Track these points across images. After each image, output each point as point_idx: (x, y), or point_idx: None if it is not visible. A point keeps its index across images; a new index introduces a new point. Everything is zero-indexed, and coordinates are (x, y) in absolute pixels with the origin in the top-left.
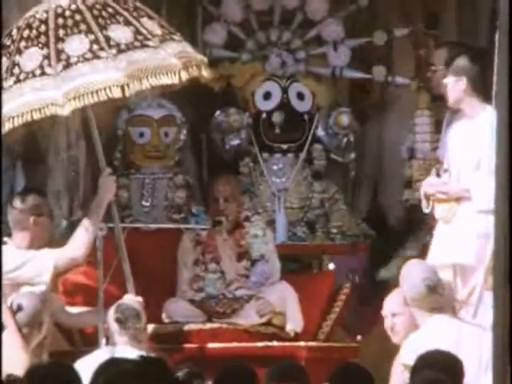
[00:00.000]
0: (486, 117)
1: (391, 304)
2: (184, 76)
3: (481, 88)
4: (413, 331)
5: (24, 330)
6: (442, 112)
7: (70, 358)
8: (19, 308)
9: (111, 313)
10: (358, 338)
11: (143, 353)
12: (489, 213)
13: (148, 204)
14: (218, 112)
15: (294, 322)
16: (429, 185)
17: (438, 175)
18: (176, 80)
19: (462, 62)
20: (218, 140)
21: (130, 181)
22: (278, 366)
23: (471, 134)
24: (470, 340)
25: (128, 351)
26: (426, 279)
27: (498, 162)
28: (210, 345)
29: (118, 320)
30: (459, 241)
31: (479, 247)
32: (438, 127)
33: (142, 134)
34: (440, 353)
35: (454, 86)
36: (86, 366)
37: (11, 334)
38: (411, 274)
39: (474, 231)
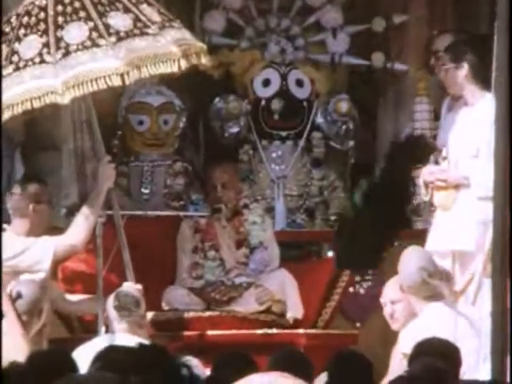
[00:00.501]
0: (486, 104)
1: (390, 291)
2: (184, 64)
3: (480, 75)
4: (412, 318)
5: (24, 318)
6: (441, 99)
7: (69, 346)
8: (18, 295)
9: (110, 300)
10: (357, 325)
11: (142, 340)
12: (488, 200)
13: (147, 191)
14: (216, 99)
15: (294, 310)
16: (428, 172)
17: (437, 163)
18: (176, 68)
19: (463, 48)
20: (217, 127)
21: (129, 168)
22: (280, 354)
23: (470, 122)
24: (468, 328)
25: (127, 339)
26: (422, 268)
27: (497, 149)
28: (210, 332)
29: (116, 307)
30: (458, 228)
31: (478, 234)
32: (437, 114)
33: (141, 122)
34: (437, 340)
35: (455, 73)
36: (85, 354)
37: (11, 322)
38: (408, 261)
39: (473, 218)
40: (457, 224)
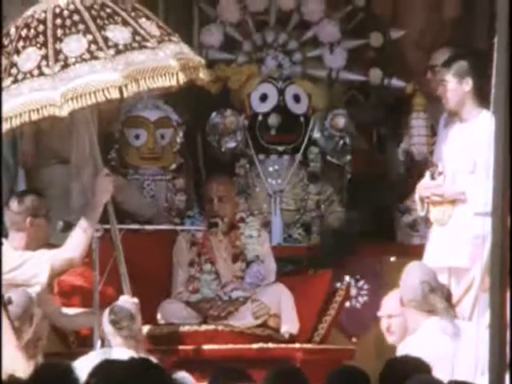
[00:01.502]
0: (483, 120)
1: (388, 305)
2: (182, 78)
3: (479, 91)
4: (408, 333)
5: (15, 324)
6: (438, 114)
7: (65, 360)
8: (9, 301)
9: (106, 314)
10: (354, 340)
11: (137, 354)
12: (485, 215)
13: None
14: (213, 114)
15: (290, 324)
16: (424, 187)
17: (433, 178)
18: (174, 82)
19: (465, 63)
20: (213, 142)
21: (128, 181)
22: (274, 371)
23: (467, 137)
24: (466, 343)
25: (123, 353)
26: (425, 282)
27: (496, 166)
28: (206, 346)
29: (112, 322)
30: (453, 244)
31: (474, 249)
32: (434, 130)
33: (137, 136)
34: (410, 358)
35: (457, 88)
36: (81, 368)
37: (6, 333)
38: (411, 275)
39: (469, 234)
40: (452, 239)
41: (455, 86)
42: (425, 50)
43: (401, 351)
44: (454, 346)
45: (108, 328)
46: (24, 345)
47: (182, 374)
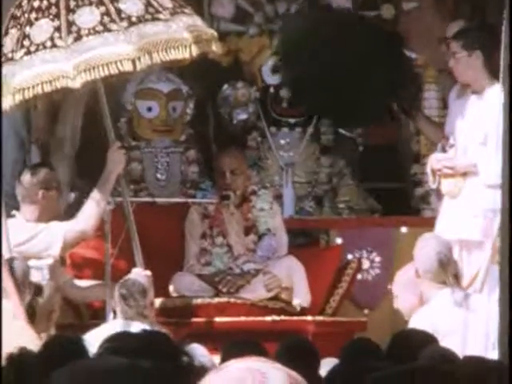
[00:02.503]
0: (494, 92)
1: (399, 283)
2: (195, 51)
3: (490, 64)
4: (422, 303)
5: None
6: (449, 86)
7: (77, 332)
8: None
9: (118, 288)
10: (366, 312)
11: (148, 327)
12: (496, 187)
13: (164, 178)
14: (225, 86)
15: (302, 297)
16: (435, 160)
17: (444, 150)
18: (187, 54)
19: (476, 35)
20: (225, 114)
21: (142, 154)
22: (286, 344)
23: (478, 110)
24: (478, 315)
25: (134, 325)
26: (441, 252)
27: (505, 135)
28: (218, 319)
29: (122, 296)
30: (465, 216)
31: (486, 222)
32: (445, 102)
33: (149, 108)
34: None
35: (467, 61)
36: (93, 340)
37: (15, 306)
38: (426, 246)
39: (481, 206)
40: (464, 212)
41: (465, 59)
42: (437, 23)
43: (413, 322)
44: (465, 318)
45: (119, 301)
46: (37, 317)
47: (194, 346)
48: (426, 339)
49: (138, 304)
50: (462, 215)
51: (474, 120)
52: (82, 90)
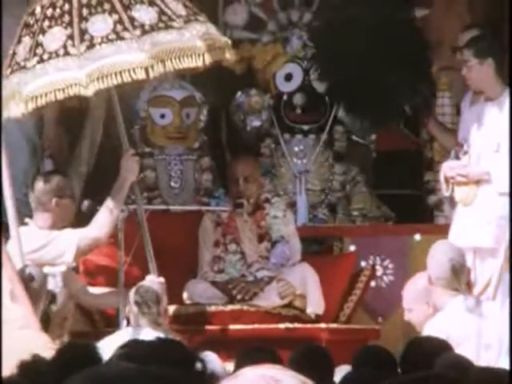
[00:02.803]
0: (507, 99)
1: (407, 298)
2: (208, 59)
3: (502, 71)
4: (435, 310)
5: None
6: (462, 94)
7: (91, 339)
8: (31, 277)
9: (131, 295)
10: (379, 319)
11: (162, 334)
12: (509, 195)
13: (177, 186)
14: (238, 93)
15: (315, 304)
16: (448, 168)
17: (458, 157)
18: (200, 62)
19: (486, 44)
20: (238, 121)
21: (155, 162)
22: (300, 351)
23: (492, 117)
24: (490, 323)
25: (148, 333)
26: (453, 259)
27: None
28: (231, 326)
29: (136, 303)
30: (478, 224)
31: (499, 230)
32: (459, 109)
33: (163, 116)
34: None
35: (479, 69)
36: (107, 347)
37: (29, 313)
38: (439, 253)
39: (494, 214)
40: (477, 220)
41: (477, 67)
42: (450, 29)
43: (427, 329)
44: (478, 325)
45: (133, 308)
46: (51, 325)
47: (207, 354)
48: (440, 346)
49: (152, 311)
50: (475, 223)
51: (487, 127)
52: (102, 111)
